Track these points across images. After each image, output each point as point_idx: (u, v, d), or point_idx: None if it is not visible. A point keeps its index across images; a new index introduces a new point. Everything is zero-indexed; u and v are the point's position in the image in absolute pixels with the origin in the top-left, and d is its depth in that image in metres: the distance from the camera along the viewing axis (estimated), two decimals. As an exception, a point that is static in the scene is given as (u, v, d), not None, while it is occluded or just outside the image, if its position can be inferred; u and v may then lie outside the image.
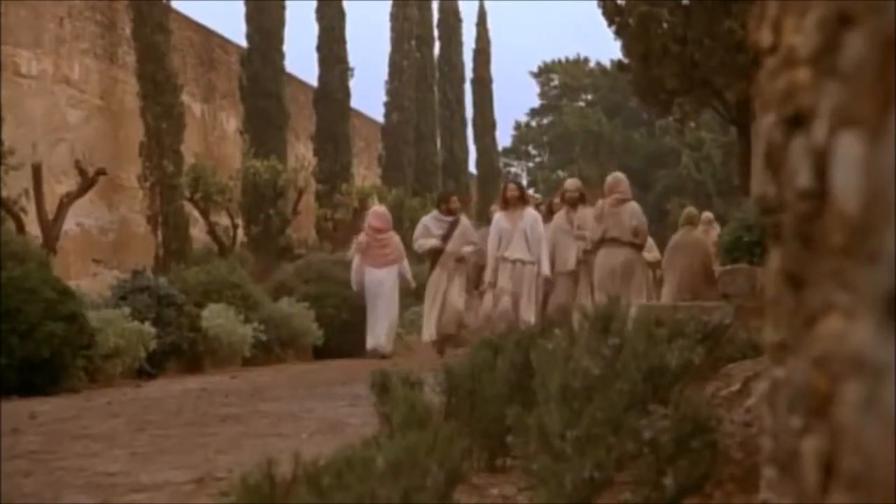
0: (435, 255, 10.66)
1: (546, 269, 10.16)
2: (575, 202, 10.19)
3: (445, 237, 10.64)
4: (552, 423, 1.90)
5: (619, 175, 10.07)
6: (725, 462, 1.90)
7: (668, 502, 1.80)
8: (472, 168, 31.10)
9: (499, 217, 10.52)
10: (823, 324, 0.79)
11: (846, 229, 0.75)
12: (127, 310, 8.32)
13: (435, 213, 11.02)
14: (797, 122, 0.86)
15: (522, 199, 10.54)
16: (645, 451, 1.83)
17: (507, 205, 10.42)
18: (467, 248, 10.65)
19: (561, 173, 42.88)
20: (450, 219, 10.78)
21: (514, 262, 10.12)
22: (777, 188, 0.95)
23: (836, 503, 0.75)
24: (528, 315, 9.90)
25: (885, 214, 0.69)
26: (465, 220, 10.95)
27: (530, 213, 10.42)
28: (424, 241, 10.73)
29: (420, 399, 2.38)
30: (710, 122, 27.10)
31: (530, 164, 47.40)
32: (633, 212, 9.42)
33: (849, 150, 0.74)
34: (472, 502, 2.13)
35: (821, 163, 0.79)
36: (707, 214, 12.96)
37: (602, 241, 9.22)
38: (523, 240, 10.14)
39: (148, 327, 8.21)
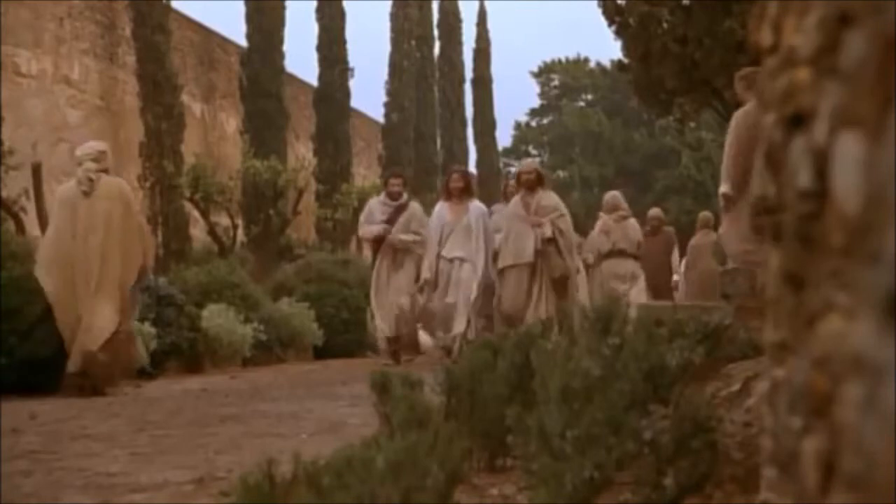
0: (376, 244, 9.48)
1: (479, 271, 9.07)
2: (532, 185, 9.08)
3: (389, 224, 9.38)
4: (552, 423, 1.90)
5: (618, 194, 11.12)
6: (725, 462, 1.90)
7: (668, 502, 1.80)
8: (472, 168, 31.10)
9: (441, 208, 9.47)
10: (823, 324, 0.79)
11: (846, 229, 0.75)
12: (127, 310, 8.31)
13: (382, 195, 9.86)
14: (797, 122, 0.86)
15: (468, 191, 9.46)
16: (645, 451, 1.83)
17: (450, 196, 9.40)
18: (404, 237, 9.30)
19: (561, 173, 42.92)
20: (394, 203, 9.49)
21: (451, 260, 9.13)
22: (777, 188, 0.95)
23: (836, 503, 0.75)
24: (459, 323, 8.86)
25: (885, 214, 0.69)
26: (414, 207, 9.63)
27: (476, 206, 9.43)
28: (366, 228, 9.57)
29: (420, 399, 2.38)
30: (710, 122, 27.09)
31: (530, 164, 47.33)
32: (635, 227, 10.67)
33: (849, 150, 0.74)
34: (472, 502, 2.13)
35: (821, 163, 0.79)
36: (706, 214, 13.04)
37: (610, 253, 10.26)
38: (466, 236, 9.12)
39: (148, 327, 8.21)
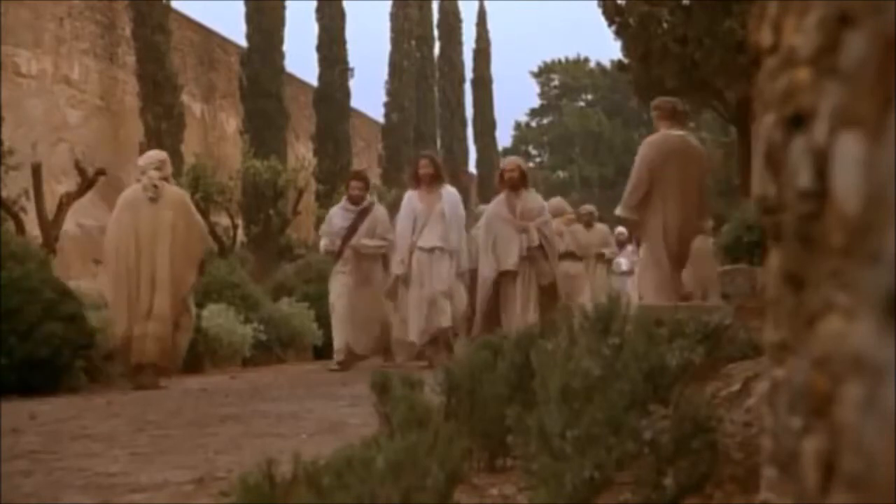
0: (338, 253, 8.85)
1: (465, 262, 8.66)
2: (515, 183, 8.54)
3: (350, 231, 8.78)
4: (552, 423, 1.90)
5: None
6: (725, 462, 1.90)
7: (668, 502, 1.80)
8: (472, 168, 31.09)
9: (410, 196, 8.77)
10: (823, 324, 0.79)
11: (846, 229, 0.75)
12: (127, 310, 8.32)
13: (343, 200, 9.18)
14: (797, 122, 0.86)
15: (438, 177, 8.75)
16: (645, 451, 1.83)
17: (419, 183, 8.70)
18: (369, 242, 8.71)
19: (561, 173, 42.97)
20: (356, 208, 8.86)
21: (429, 251, 8.48)
22: (777, 188, 0.95)
23: (836, 503, 0.75)
24: (442, 318, 8.36)
25: (885, 214, 0.69)
26: (378, 210, 8.99)
27: (450, 192, 8.79)
28: (325, 240, 8.99)
29: (420, 399, 2.38)
30: (711, 122, 27.10)
31: (530, 164, 47.42)
32: (578, 230, 11.38)
33: (849, 150, 0.74)
34: (472, 502, 2.13)
35: (821, 163, 0.79)
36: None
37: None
38: (440, 224, 8.49)
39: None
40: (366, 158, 26.08)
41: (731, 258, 6.61)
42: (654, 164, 6.91)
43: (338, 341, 8.77)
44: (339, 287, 8.80)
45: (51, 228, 11.39)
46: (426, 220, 8.51)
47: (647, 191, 6.91)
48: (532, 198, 8.67)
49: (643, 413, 1.90)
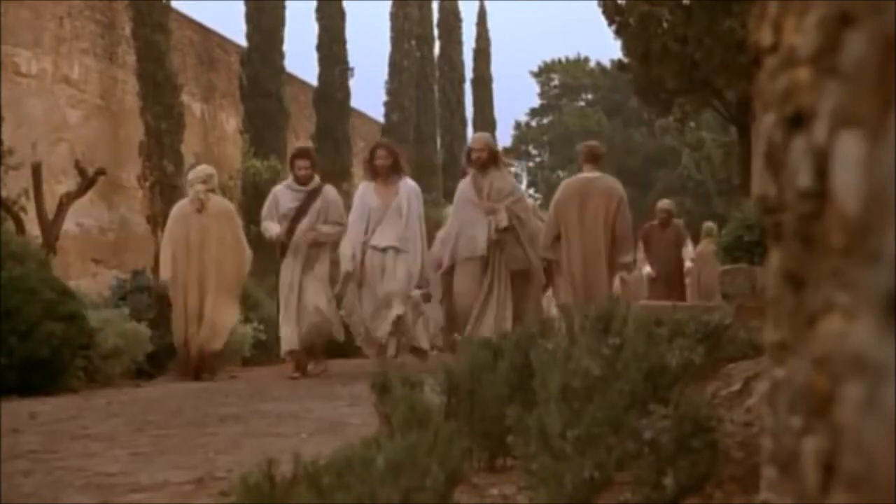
0: (284, 237, 7.94)
1: (417, 265, 7.70)
2: (484, 164, 7.73)
3: (299, 214, 7.94)
4: (552, 423, 1.90)
5: None
6: (726, 462, 1.90)
7: (669, 502, 1.80)
8: (472, 168, 31.06)
9: (365, 188, 7.99)
10: (823, 324, 0.79)
11: (846, 229, 0.75)
12: (126, 310, 8.34)
13: (290, 179, 8.26)
14: (797, 122, 0.86)
15: (396, 168, 7.91)
16: (645, 451, 1.83)
17: (375, 174, 7.88)
18: (328, 230, 7.94)
19: (561, 173, 42.94)
20: (305, 189, 8.01)
21: (383, 250, 7.68)
22: (777, 188, 0.95)
23: (837, 503, 0.75)
24: (393, 313, 7.57)
25: (885, 214, 0.69)
26: (329, 192, 8.14)
27: (409, 186, 7.96)
28: (268, 224, 8.03)
29: (420, 399, 2.38)
30: (711, 121, 27.12)
31: (530, 164, 47.43)
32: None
33: (849, 150, 0.74)
34: (472, 502, 2.13)
35: (821, 163, 0.79)
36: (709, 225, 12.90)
37: None
38: (397, 221, 7.68)
39: (143, 329, 8.22)
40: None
41: (731, 258, 6.61)
42: (558, 205, 7.72)
43: (289, 342, 7.88)
44: (286, 281, 7.95)
45: (51, 228, 11.39)
46: (381, 217, 7.70)
47: (557, 231, 7.62)
48: (501, 177, 7.84)
49: (643, 413, 1.90)
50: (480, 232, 7.54)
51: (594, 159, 7.92)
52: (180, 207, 8.58)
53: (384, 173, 7.84)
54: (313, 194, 8.00)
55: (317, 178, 8.13)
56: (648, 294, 10.58)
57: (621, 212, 7.68)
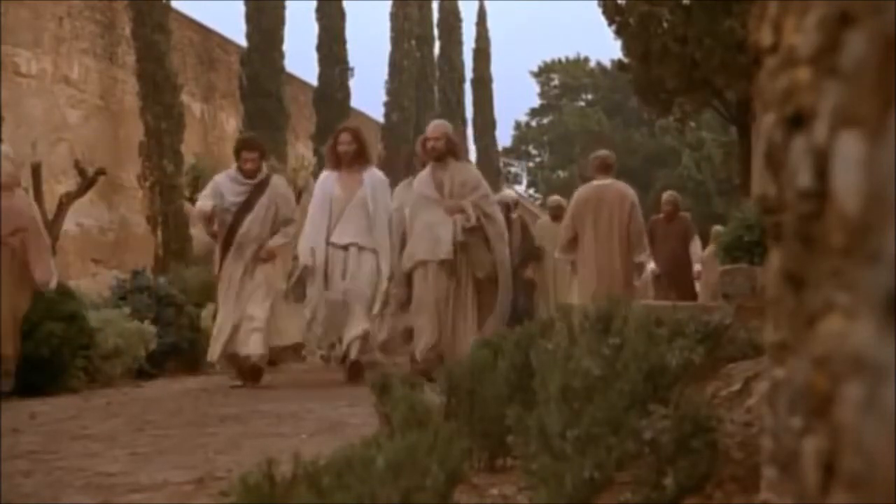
0: (226, 237, 7.02)
1: (386, 267, 6.87)
2: (442, 155, 6.89)
3: (244, 209, 7.02)
4: (552, 423, 1.90)
5: None
6: (726, 462, 1.90)
7: (669, 502, 1.80)
8: (472, 168, 31.06)
9: (326, 180, 7.14)
10: (824, 324, 0.79)
11: (846, 229, 0.75)
12: (127, 310, 8.33)
13: (233, 169, 7.30)
14: (797, 121, 0.86)
15: (362, 155, 7.10)
16: (645, 451, 1.83)
17: (338, 162, 7.06)
18: (279, 241, 7.08)
19: (561, 173, 42.95)
20: (251, 182, 7.09)
21: (345, 248, 6.87)
22: (777, 188, 0.95)
23: (836, 503, 0.75)
24: (355, 325, 6.78)
25: (885, 214, 0.69)
26: (277, 184, 7.26)
27: (375, 176, 7.12)
28: (199, 208, 7.19)
29: (420, 399, 2.38)
30: (711, 121, 27.13)
31: (530, 164, 47.44)
32: None
33: (849, 150, 0.74)
34: (472, 502, 2.13)
35: (821, 163, 0.79)
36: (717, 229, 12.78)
37: None
38: (361, 215, 6.87)
39: (148, 327, 8.22)
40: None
41: (731, 258, 6.60)
42: (574, 211, 8.13)
43: (214, 353, 7.14)
44: (228, 280, 7.06)
45: (51, 228, 11.38)
46: (343, 210, 6.88)
47: (573, 234, 8.01)
48: (464, 169, 7.05)
49: (643, 413, 1.90)
50: (444, 233, 6.70)
51: (606, 169, 8.21)
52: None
53: (347, 161, 7.01)
54: (260, 187, 7.08)
55: (265, 170, 7.28)
56: (654, 292, 10.44)
57: (634, 215, 7.99)
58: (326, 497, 1.50)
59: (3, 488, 3.01)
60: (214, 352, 7.11)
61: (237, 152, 7.33)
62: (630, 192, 8.20)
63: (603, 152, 8.72)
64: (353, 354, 6.88)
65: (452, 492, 1.70)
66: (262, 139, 8.44)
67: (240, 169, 7.16)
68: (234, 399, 6.04)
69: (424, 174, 7.01)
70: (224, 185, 7.14)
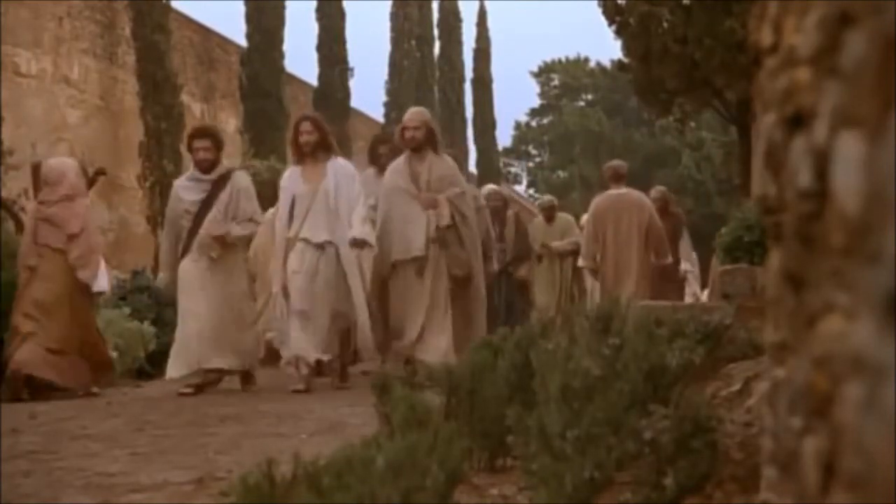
0: (186, 238, 6.55)
1: (358, 232, 6.15)
2: (420, 145, 6.53)
3: (203, 208, 6.50)
4: (552, 423, 1.90)
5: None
6: (726, 462, 1.90)
7: (669, 502, 1.80)
8: (472, 168, 31.10)
9: (291, 175, 6.57)
10: (824, 324, 0.79)
11: (846, 229, 0.75)
12: (127, 310, 8.33)
13: (192, 169, 6.79)
14: (797, 122, 0.86)
15: (325, 144, 6.50)
16: (645, 451, 1.83)
17: (301, 155, 6.54)
18: (240, 232, 6.52)
19: (561, 173, 42.97)
20: (209, 178, 6.55)
21: (318, 246, 6.26)
22: (777, 188, 0.95)
23: (836, 503, 0.75)
24: (318, 334, 6.18)
25: (885, 214, 0.69)
26: (239, 179, 6.66)
27: (341, 166, 6.50)
28: (169, 229, 6.74)
29: (420, 399, 2.38)
30: (711, 121, 27.12)
31: (530, 164, 47.45)
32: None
33: (849, 150, 0.74)
34: (472, 502, 2.13)
35: (821, 163, 0.79)
36: None
37: None
38: (326, 209, 6.29)
39: (147, 327, 8.21)
40: (366, 158, 26.05)
41: (731, 258, 6.61)
42: (595, 220, 8.49)
43: (174, 367, 6.47)
44: (188, 285, 6.48)
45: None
46: (310, 205, 6.31)
47: (598, 242, 8.38)
48: (441, 163, 6.61)
49: (643, 413, 1.90)
50: (417, 229, 6.35)
51: (619, 178, 8.60)
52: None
53: (310, 151, 6.46)
54: (219, 184, 6.51)
55: (224, 164, 6.75)
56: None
57: (653, 221, 8.41)
58: (326, 497, 1.50)
59: (3, 488, 3.01)
60: (173, 370, 6.45)
61: (189, 142, 6.81)
62: (647, 200, 8.73)
63: (615, 162, 9.07)
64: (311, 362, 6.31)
65: (452, 492, 1.70)
66: (216, 128, 7.95)
67: (195, 162, 6.65)
68: (234, 399, 6.03)
69: (400, 164, 6.61)
70: (181, 187, 6.68)
